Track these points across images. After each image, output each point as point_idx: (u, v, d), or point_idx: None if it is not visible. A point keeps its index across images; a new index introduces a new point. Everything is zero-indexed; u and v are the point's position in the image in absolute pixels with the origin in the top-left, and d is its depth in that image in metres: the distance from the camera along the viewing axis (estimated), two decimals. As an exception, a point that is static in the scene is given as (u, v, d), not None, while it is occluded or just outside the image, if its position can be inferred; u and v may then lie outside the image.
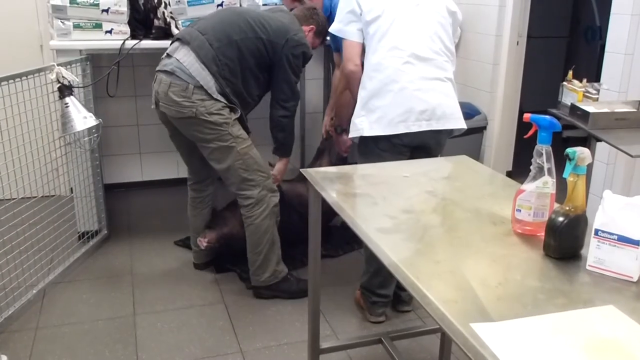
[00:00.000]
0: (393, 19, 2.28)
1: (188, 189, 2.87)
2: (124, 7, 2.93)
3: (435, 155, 2.37)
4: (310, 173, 1.79)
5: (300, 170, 1.93)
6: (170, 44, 2.58)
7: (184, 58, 2.44)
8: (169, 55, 2.51)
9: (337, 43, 2.55)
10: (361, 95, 2.33)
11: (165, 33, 3.03)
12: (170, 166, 3.99)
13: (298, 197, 2.90)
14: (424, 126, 2.25)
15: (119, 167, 3.89)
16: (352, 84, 2.41)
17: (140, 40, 2.99)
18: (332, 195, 1.62)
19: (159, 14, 2.99)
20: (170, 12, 3.01)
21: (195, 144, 2.58)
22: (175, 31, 3.00)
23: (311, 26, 2.75)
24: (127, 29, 2.98)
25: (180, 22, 3.05)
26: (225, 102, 2.47)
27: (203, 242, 2.74)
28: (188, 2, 3.02)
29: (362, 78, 2.34)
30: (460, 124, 2.35)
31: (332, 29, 2.41)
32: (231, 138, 2.47)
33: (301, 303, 2.62)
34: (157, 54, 3.02)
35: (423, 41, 2.29)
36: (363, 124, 2.30)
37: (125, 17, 2.96)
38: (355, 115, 2.34)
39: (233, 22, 2.53)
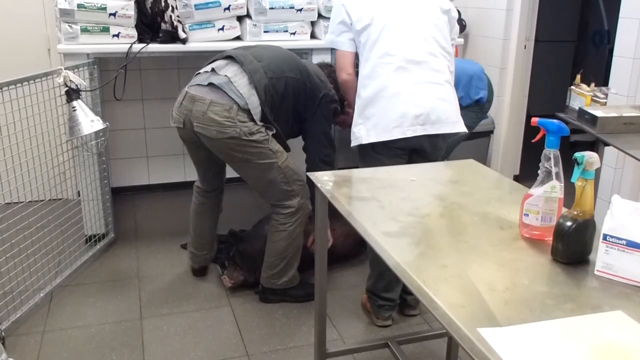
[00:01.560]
0: (383, 26, 2.27)
1: (194, 194, 2.85)
2: (132, 11, 2.94)
3: (434, 159, 2.36)
4: (317, 176, 1.79)
5: (307, 173, 1.92)
6: (214, 61, 2.51)
7: (236, 78, 2.37)
8: (214, 71, 2.43)
9: None
10: (357, 103, 2.34)
11: (172, 37, 3.04)
12: (177, 170, 4.00)
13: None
14: (418, 131, 2.24)
15: (126, 171, 3.90)
16: (347, 93, 2.46)
17: (148, 44, 3.00)
18: (338, 199, 1.62)
19: (166, 18, 3.01)
20: (178, 16, 3.02)
21: (218, 160, 2.56)
22: (182, 35, 3.01)
23: (332, 85, 2.68)
24: (134, 33, 3.00)
25: (187, 25, 3.06)
26: (264, 123, 2.42)
27: (228, 282, 2.74)
28: (195, 5, 3.04)
29: (358, 87, 2.34)
30: (457, 128, 2.33)
31: (325, 40, 2.45)
32: (272, 154, 2.44)
33: (308, 307, 2.61)
34: (164, 57, 3.04)
35: (416, 44, 2.27)
36: (361, 132, 2.31)
37: (132, 21, 2.97)
38: (354, 124, 2.36)
39: (286, 60, 2.52)
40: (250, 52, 2.51)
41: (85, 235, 3.11)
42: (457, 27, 2.47)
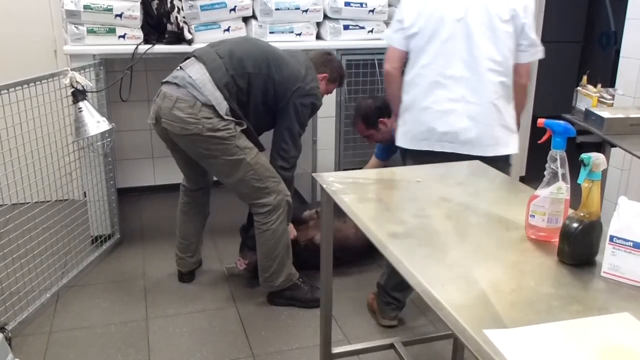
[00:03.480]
0: (429, 37, 2.21)
1: (180, 194, 2.83)
2: (137, 12, 2.95)
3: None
4: (323, 177, 1.79)
5: (312, 175, 1.92)
6: (185, 60, 2.54)
7: (197, 75, 2.39)
8: (181, 69, 2.48)
9: None
10: (401, 105, 2.36)
11: (178, 38, 3.05)
12: (183, 170, 4.00)
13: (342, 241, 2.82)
14: (447, 147, 2.22)
15: (132, 172, 3.91)
16: (387, 84, 2.43)
17: (153, 45, 3.01)
18: (344, 200, 1.62)
19: (172, 19, 3.01)
20: (184, 17, 3.03)
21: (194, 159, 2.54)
22: (188, 36, 3.02)
23: (324, 74, 2.68)
24: (140, 34, 3.01)
25: (193, 26, 3.07)
26: (233, 119, 2.42)
27: (242, 264, 2.74)
28: (201, 7, 3.04)
29: (403, 89, 2.34)
30: (490, 151, 2.21)
31: (384, 35, 2.44)
32: (239, 150, 2.42)
33: (313, 308, 2.61)
34: (170, 58, 3.04)
35: (457, 59, 2.19)
36: (398, 133, 2.37)
37: (138, 22, 2.98)
38: (398, 123, 2.40)
39: (251, 55, 2.49)
40: (215, 49, 2.50)
41: (92, 236, 3.12)
42: (531, 36, 2.19)
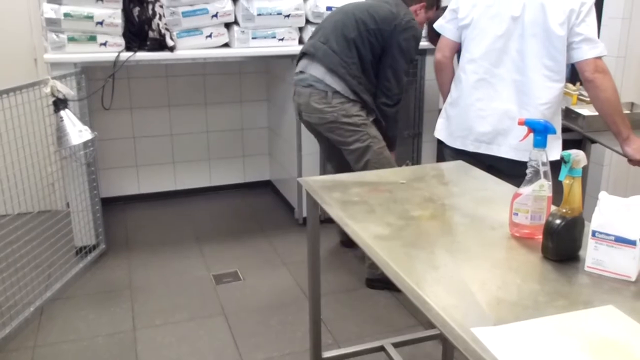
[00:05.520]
0: (480, 31, 2.18)
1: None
2: (119, 19, 2.93)
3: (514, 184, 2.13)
4: (308, 182, 1.79)
5: (298, 179, 1.93)
6: (298, 60, 2.78)
7: (315, 71, 2.65)
8: (302, 72, 2.71)
9: None
10: (447, 98, 2.38)
11: (160, 44, 3.03)
12: (167, 178, 3.98)
13: None
14: (482, 149, 2.21)
15: (116, 181, 3.88)
16: (437, 73, 2.46)
17: (135, 52, 2.99)
18: (330, 204, 1.62)
19: (154, 26, 3.00)
20: (165, 24, 3.01)
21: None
22: (170, 42, 3.01)
23: (421, 3, 2.79)
24: (121, 41, 2.99)
25: (175, 33, 3.05)
26: (360, 101, 2.64)
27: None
28: (183, 13, 3.03)
29: (453, 82, 2.35)
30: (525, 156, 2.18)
31: (436, 24, 2.40)
32: (369, 138, 2.64)
33: (302, 312, 2.61)
34: (153, 65, 3.03)
35: (509, 59, 2.14)
36: (438, 125, 2.40)
37: (119, 29, 2.96)
38: (440, 114, 2.42)
39: (345, 23, 2.66)
40: (317, 37, 2.72)
41: (76, 247, 3.09)
42: (582, 33, 2.05)
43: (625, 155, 2.18)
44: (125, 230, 3.56)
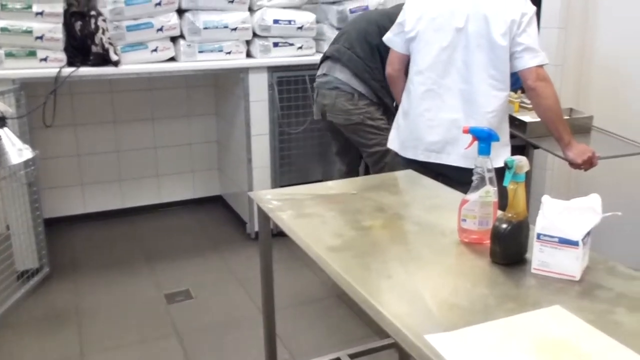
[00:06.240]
0: (425, 43, 2.21)
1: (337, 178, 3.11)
2: (60, 34, 2.85)
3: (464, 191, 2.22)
4: (259, 195, 1.78)
5: (248, 193, 1.91)
6: (321, 63, 2.89)
7: (341, 75, 2.77)
8: (325, 75, 2.82)
9: None
10: (399, 109, 2.42)
11: (103, 59, 2.96)
12: (114, 197, 3.87)
13: None
14: (432, 158, 2.23)
15: (60, 200, 3.74)
16: (391, 87, 2.50)
17: (78, 67, 2.91)
18: (281, 218, 1.61)
19: (97, 40, 2.93)
20: (109, 38, 2.95)
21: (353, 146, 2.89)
22: (114, 57, 2.94)
23: None
24: (63, 56, 2.90)
25: (119, 47, 2.99)
26: (382, 104, 2.76)
27: None
28: (127, 27, 2.98)
29: (403, 94, 2.37)
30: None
31: (385, 38, 2.42)
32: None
33: (257, 328, 2.57)
34: (96, 80, 2.95)
35: (455, 70, 2.17)
36: (390, 135, 2.44)
37: (61, 44, 2.88)
38: (393, 125, 2.45)
39: (368, 31, 2.75)
40: (341, 43, 2.81)
41: (17, 271, 2.95)
42: (523, 42, 2.08)
43: (567, 159, 2.26)
44: (71, 252, 3.43)
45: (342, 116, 2.79)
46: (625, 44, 2.78)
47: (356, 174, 3.15)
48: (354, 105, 2.75)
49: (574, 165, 2.25)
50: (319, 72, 2.89)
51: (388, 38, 2.40)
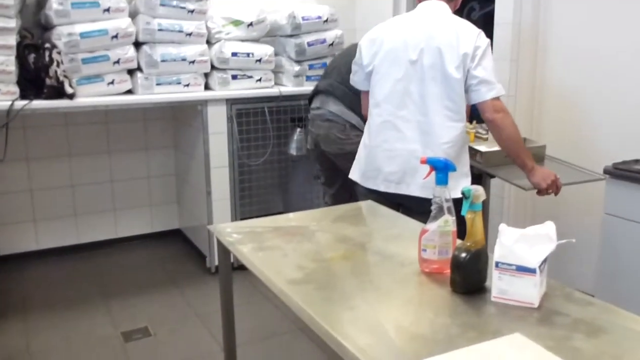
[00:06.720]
0: (382, 76, 2.25)
1: (325, 199, 3.24)
2: (12, 67, 2.78)
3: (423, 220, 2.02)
4: (218, 229, 1.75)
5: (208, 227, 1.88)
6: (314, 97, 2.99)
7: (334, 107, 2.85)
8: (319, 108, 2.91)
9: None
10: (361, 141, 2.45)
11: (58, 92, 2.89)
12: (69, 232, 3.75)
13: None
14: (392, 188, 2.25)
15: (11, 237, 3.60)
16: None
17: (31, 100, 2.84)
18: (241, 251, 1.59)
19: (51, 73, 2.87)
20: (64, 71, 2.90)
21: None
22: (69, 90, 2.89)
23: None
24: (15, 89, 2.83)
25: (74, 80, 2.94)
26: None
27: None
28: (83, 60, 2.94)
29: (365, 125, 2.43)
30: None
31: (350, 81, 2.49)
32: None
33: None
34: (51, 113, 2.88)
35: (411, 101, 2.20)
36: (353, 166, 2.45)
37: (13, 77, 2.81)
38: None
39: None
40: (333, 78, 2.91)
41: (-36, 312, 2.81)
42: (478, 75, 2.12)
43: (533, 185, 2.30)
44: (22, 291, 3.29)
45: (335, 146, 2.86)
46: (574, 73, 2.91)
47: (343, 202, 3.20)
48: (346, 136, 2.81)
49: (540, 191, 2.29)
50: (313, 105, 3.00)
51: (353, 81, 2.47)
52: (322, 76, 3.09)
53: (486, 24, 3.12)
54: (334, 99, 2.87)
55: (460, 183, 2.06)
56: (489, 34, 2.28)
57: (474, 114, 2.47)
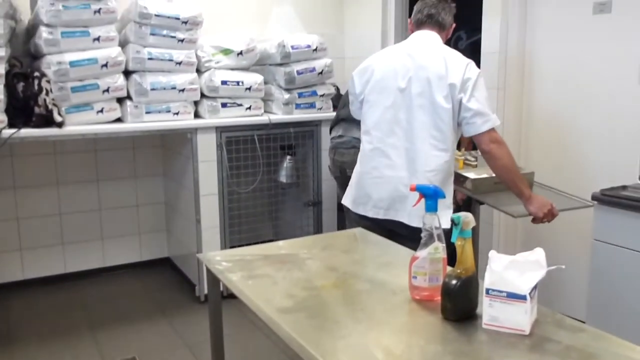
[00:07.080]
0: (372, 103, 2.29)
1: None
2: (0, 95, 2.78)
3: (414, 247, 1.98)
4: (208, 257, 1.74)
5: (197, 255, 1.87)
6: (335, 124, 3.09)
7: (359, 134, 2.68)
8: (342, 136, 3.01)
9: None
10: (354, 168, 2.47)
11: (47, 120, 2.89)
12: (56, 261, 3.71)
13: None
14: (381, 214, 2.26)
15: (-4, 267, 3.55)
16: None
17: (19, 129, 2.83)
18: (231, 279, 1.58)
19: (40, 101, 2.87)
20: (53, 99, 2.90)
21: None
22: (58, 118, 2.88)
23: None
24: (4, 118, 2.82)
25: (63, 109, 2.94)
26: None
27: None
28: (72, 88, 2.94)
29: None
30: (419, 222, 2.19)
31: (351, 114, 2.52)
32: None
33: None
34: (40, 142, 2.87)
35: (399, 129, 2.23)
36: (345, 193, 2.46)
37: (2, 105, 2.80)
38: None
39: None
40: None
41: (-53, 345, 2.75)
42: (472, 108, 2.14)
43: (530, 214, 2.30)
44: (7, 322, 3.23)
45: None
46: (561, 101, 2.96)
47: None
48: None
49: (536, 220, 2.30)
50: (335, 134, 3.08)
51: (351, 111, 2.51)
52: (340, 105, 3.13)
53: (474, 53, 3.18)
54: (357, 125, 2.84)
55: (442, 214, 2.06)
56: (476, 62, 2.31)
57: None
